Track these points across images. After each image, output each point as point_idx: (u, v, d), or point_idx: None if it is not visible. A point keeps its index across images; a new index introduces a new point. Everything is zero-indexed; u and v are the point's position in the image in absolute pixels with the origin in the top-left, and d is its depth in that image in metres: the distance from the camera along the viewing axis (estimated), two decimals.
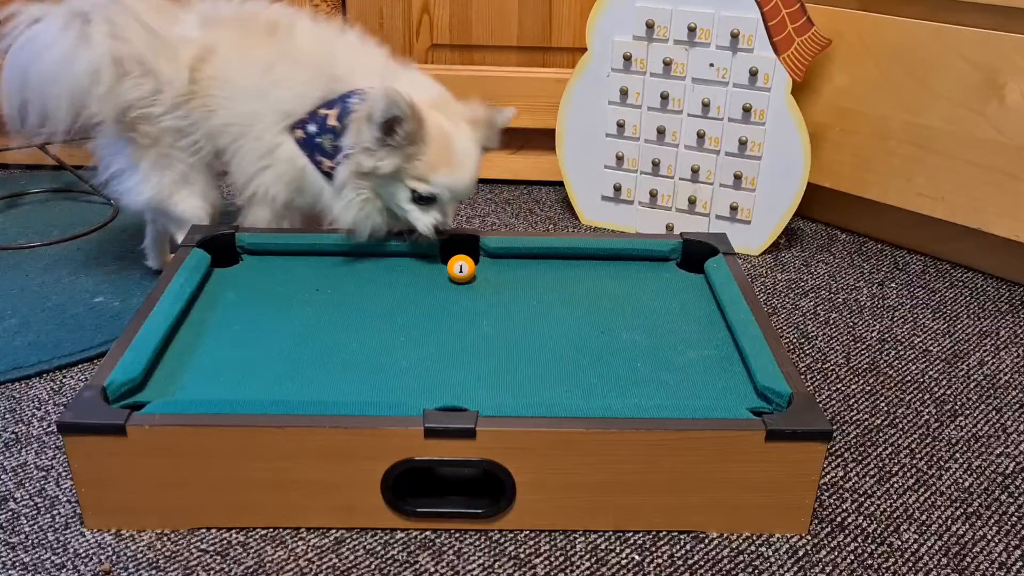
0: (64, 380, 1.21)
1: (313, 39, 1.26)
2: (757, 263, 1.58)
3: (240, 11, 1.29)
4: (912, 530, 1.01)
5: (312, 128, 1.21)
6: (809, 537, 0.99)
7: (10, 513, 1.00)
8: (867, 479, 1.08)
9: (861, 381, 1.26)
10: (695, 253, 1.29)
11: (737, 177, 1.56)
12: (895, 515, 1.03)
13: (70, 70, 1.19)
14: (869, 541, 0.99)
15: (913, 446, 1.14)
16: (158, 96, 1.23)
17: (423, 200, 1.21)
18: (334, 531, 0.98)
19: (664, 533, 0.99)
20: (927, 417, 1.19)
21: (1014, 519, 1.03)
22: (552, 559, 0.96)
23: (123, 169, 1.29)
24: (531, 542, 0.98)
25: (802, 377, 1.12)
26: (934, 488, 1.07)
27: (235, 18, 1.27)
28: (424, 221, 1.22)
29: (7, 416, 1.15)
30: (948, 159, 1.47)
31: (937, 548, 0.99)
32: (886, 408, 1.21)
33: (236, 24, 1.27)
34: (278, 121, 1.23)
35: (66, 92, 1.20)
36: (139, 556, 0.94)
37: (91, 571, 0.93)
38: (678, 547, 0.97)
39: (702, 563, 0.96)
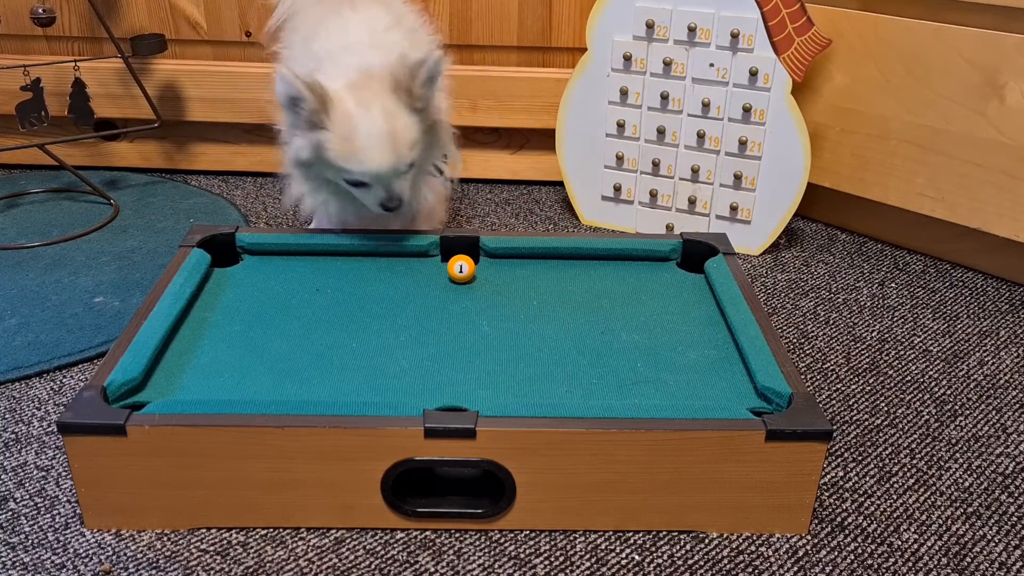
0: (64, 380, 1.21)
1: (310, 19, 1.27)
2: (757, 263, 1.58)
3: None
4: (912, 530, 1.01)
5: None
6: (809, 537, 0.99)
7: (10, 513, 1.00)
8: (867, 479, 1.08)
9: (861, 381, 1.26)
10: (695, 253, 1.29)
11: (737, 177, 1.56)
12: (895, 515, 1.03)
13: None
14: (869, 541, 0.99)
15: (913, 446, 1.14)
16: None
17: (357, 183, 1.20)
18: (334, 531, 0.98)
19: (664, 533, 0.99)
20: (927, 417, 1.19)
21: (1014, 519, 1.03)
22: (552, 559, 0.96)
23: None
24: (531, 542, 0.98)
25: (802, 377, 1.12)
26: (934, 488, 1.07)
27: None
28: (368, 201, 1.21)
29: (7, 416, 1.15)
30: (948, 159, 1.47)
31: (937, 548, 0.99)
32: (886, 408, 1.21)
33: None
34: None
35: None
36: (139, 556, 0.94)
37: (91, 571, 0.93)
38: (678, 547, 0.97)
39: (702, 563, 0.96)
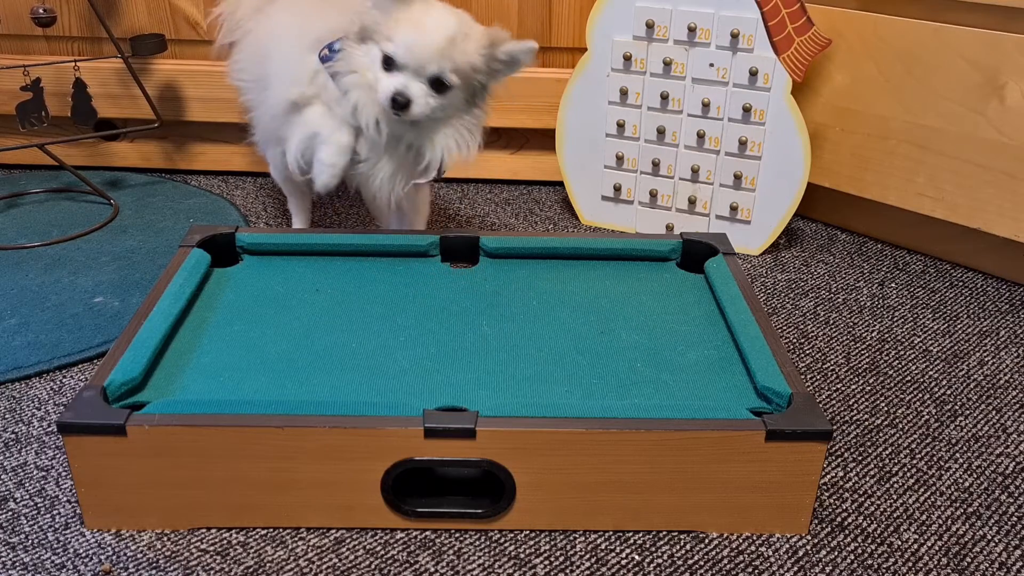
0: (64, 380, 1.21)
1: None
2: (757, 263, 1.58)
3: None
4: (912, 530, 1.01)
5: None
6: (809, 537, 0.99)
7: (10, 513, 1.00)
8: (867, 479, 1.08)
9: (861, 381, 1.26)
10: (695, 253, 1.29)
11: (737, 177, 1.56)
12: (895, 515, 1.03)
13: None
14: (869, 541, 0.99)
15: (913, 446, 1.14)
16: None
17: (390, 65, 1.20)
18: (334, 531, 0.98)
19: (664, 533, 0.99)
20: (927, 417, 1.19)
21: (1014, 519, 1.03)
22: (552, 559, 0.96)
23: None
24: (531, 542, 0.98)
25: (802, 377, 1.12)
26: (934, 488, 1.07)
27: None
28: (385, 84, 1.20)
29: (7, 416, 1.15)
30: (948, 159, 1.47)
31: (937, 548, 0.99)
32: (886, 408, 1.21)
33: None
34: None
35: None
36: (139, 556, 0.94)
37: (91, 571, 0.93)
38: (678, 547, 0.97)
39: (702, 563, 0.96)
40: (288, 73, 1.28)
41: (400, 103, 1.19)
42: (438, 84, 1.20)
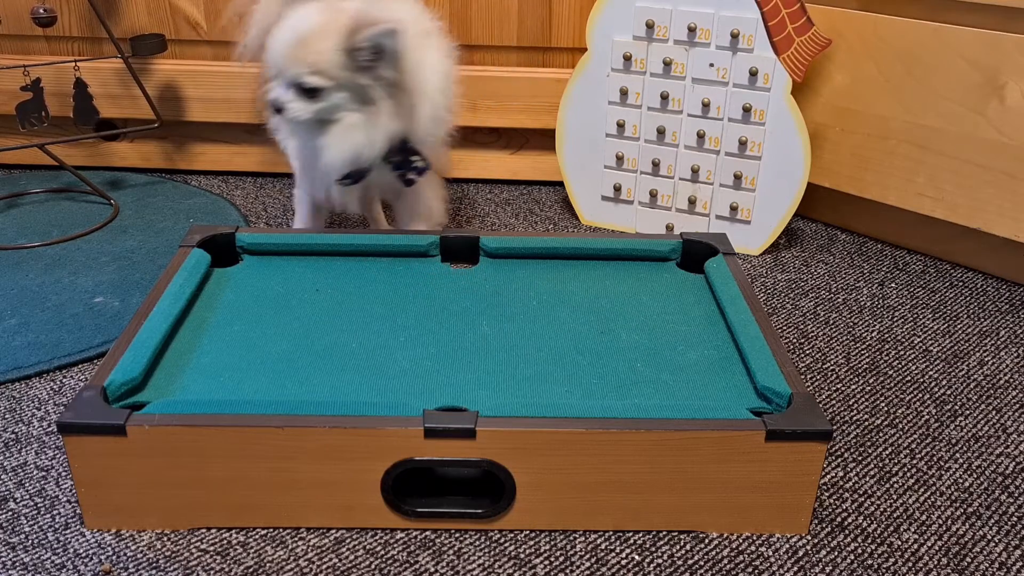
0: (64, 380, 1.21)
1: None
2: (757, 263, 1.58)
3: None
4: (912, 530, 1.01)
5: None
6: (809, 537, 0.99)
7: (10, 513, 1.00)
8: (867, 479, 1.08)
9: (861, 381, 1.26)
10: (695, 253, 1.29)
11: (737, 177, 1.56)
12: (895, 515, 1.03)
13: None
14: (869, 541, 0.99)
15: (913, 446, 1.14)
16: None
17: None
18: (334, 531, 0.98)
19: (664, 533, 0.99)
20: (927, 417, 1.19)
21: (1014, 519, 1.03)
22: (552, 559, 0.96)
23: None
24: (531, 542, 0.98)
25: (802, 377, 1.12)
26: (934, 488, 1.07)
27: None
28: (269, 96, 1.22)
29: (7, 416, 1.15)
30: (948, 159, 1.47)
31: (937, 548, 0.99)
32: (886, 408, 1.21)
33: None
34: None
35: None
36: (139, 556, 0.94)
37: (91, 571, 0.93)
38: (678, 547, 0.97)
39: (702, 563, 0.96)
40: None
41: (276, 108, 1.20)
42: (303, 88, 1.18)
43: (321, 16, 1.18)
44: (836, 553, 0.97)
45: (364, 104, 1.20)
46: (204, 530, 0.98)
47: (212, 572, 0.93)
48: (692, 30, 1.51)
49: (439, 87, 1.27)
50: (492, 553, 0.96)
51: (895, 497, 1.05)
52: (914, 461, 1.11)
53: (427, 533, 0.98)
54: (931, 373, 1.28)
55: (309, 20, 1.18)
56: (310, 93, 1.18)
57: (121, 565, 0.93)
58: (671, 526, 0.99)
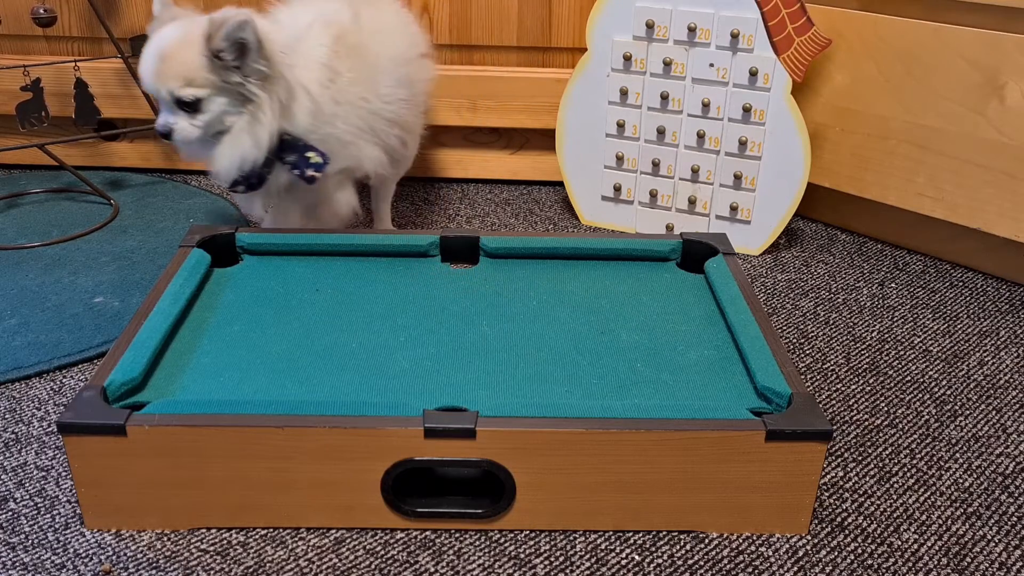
0: (64, 380, 1.21)
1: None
2: (757, 263, 1.58)
3: None
4: (912, 530, 1.01)
5: None
6: (809, 537, 0.99)
7: (10, 513, 1.00)
8: (867, 479, 1.08)
9: (861, 381, 1.26)
10: (695, 253, 1.29)
11: (737, 177, 1.56)
12: (895, 515, 1.03)
13: None
14: (869, 541, 0.99)
15: (913, 446, 1.14)
16: None
17: None
18: (334, 531, 0.98)
19: (664, 533, 0.99)
20: (927, 417, 1.19)
21: (1014, 519, 1.03)
22: (552, 559, 0.96)
23: None
24: (531, 542, 0.98)
25: (802, 377, 1.12)
26: (934, 488, 1.07)
27: None
28: None
29: (7, 416, 1.15)
30: (948, 159, 1.47)
31: (937, 548, 0.99)
32: (886, 408, 1.21)
33: None
34: None
35: None
36: (139, 556, 0.94)
37: (91, 571, 0.93)
38: (678, 547, 0.97)
39: (702, 563, 0.96)
40: None
41: (162, 133, 1.22)
42: (184, 104, 1.19)
43: (178, 30, 1.19)
44: (836, 553, 0.97)
45: (246, 104, 1.20)
46: (204, 530, 0.98)
47: (212, 572, 0.93)
48: (692, 30, 1.51)
49: (317, 78, 1.26)
50: (492, 553, 0.96)
51: (895, 497, 1.05)
52: (914, 461, 1.11)
53: (427, 533, 0.98)
54: (931, 373, 1.28)
55: (168, 36, 1.19)
56: (191, 107, 1.19)
57: (121, 565, 0.93)
58: (671, 526, 0.99)
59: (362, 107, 1.32)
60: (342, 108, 1.29)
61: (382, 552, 0.96)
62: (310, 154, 1.26)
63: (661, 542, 0.98)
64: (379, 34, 1.37)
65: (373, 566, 0.94)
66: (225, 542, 0.96)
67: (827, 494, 1.05)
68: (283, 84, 1.21)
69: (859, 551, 0.98)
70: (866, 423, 1.18)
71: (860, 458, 1.11)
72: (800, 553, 0.97)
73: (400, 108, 1.39)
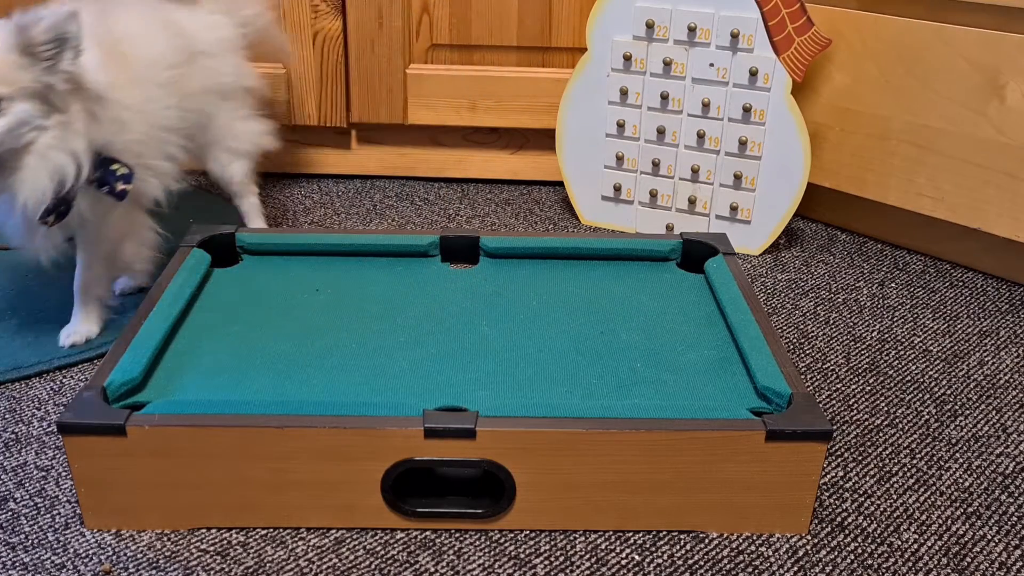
0: (64, 380, 1.21)
1: None
2: (757, 263, 1.58)
3: None
4: (912, 530, 1.01)
5: None
6: (809, 537, 0.99)
7: (10, 513, 1.00)
8: (867, 479, 1.08)
9: (861, 381, 1.26)
10: (695, 253, 1.29)
11: (737, 177, 1.56)
12: (895, 515, 1.03)
13: None
14: (869, 541, 0.99)
15: (913, 446, 1.14)
16: None
17: None
18: (334, 531, 0.98)
19: (664, 533, 0.99)
20: (927, 417, 1.19)
21: (1014, 519, 1.03)
22: (552, 559, 0.96)
23: None
24: (531, 542, 0.98)
25: (802, 377, 1.12)
26: (934, 488, 1.07)
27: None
28: None
29: (7, 416, 1.15)
30: (948, 159, 1.47)
31: (937, 548, 0.99)
32: (886, 408, 1.21)
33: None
34: None
35: None
36: (139, 556, 0.94)
37: (91, 571, 0.93)
38: (678, 547, 0.97)
39: (702, 563, 0.96)
40: None
41: None
42: None
43: None
44: (836, 553, 0.97)
45: (55, 113, 1.05)
46: (204, 530, 0.98)
47: (212, 572, 0.93)
48: (692, 30, 1.51)
49: (114, 83, 1.13)
50: (492, 553, 0.96)
51: (895, 497, 1.05)
52: (914, 461, 1.11)
53: (427, 533, 0.98)
54: (931, 373, 1.28)
55: None
56: None
57: (121, 565, 0.93)
58: (671, 526, 0.99)
59: (145, 113, 1.21)
60: (128, 114, 1.17)
61: (382, 552, 0.96)
62: (115, 166, 1.13)
63: (661, 542, 0.98)
64: (135, 37, 1.24)
65: (373, 566, 0.94)
66: (225, 542, 0.96)
67: (827, 494, 1.05)
68: (92, 90, 1.08)
69: (859, 551, 0.98)
70: (866, 423, 1.18)
71: (860, 458, 1.12)
72: (800, 553, 0.97)
73: (172, 115, 1.26)
